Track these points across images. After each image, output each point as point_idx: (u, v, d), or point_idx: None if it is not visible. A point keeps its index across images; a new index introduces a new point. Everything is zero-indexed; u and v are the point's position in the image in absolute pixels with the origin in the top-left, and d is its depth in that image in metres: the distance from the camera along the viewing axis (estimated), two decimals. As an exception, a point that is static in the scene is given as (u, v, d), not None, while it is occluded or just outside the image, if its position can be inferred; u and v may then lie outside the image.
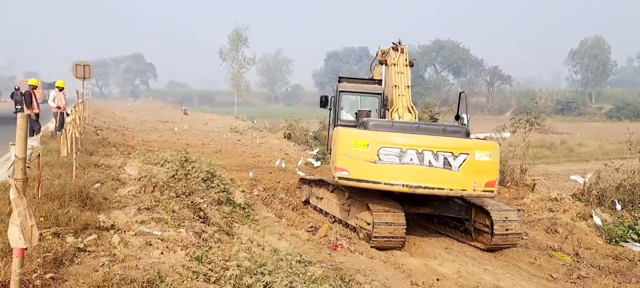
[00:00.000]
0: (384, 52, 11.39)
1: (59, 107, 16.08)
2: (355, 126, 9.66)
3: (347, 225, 9.91)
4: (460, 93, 10.98)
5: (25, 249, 2.73)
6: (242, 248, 6.08)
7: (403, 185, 8.23)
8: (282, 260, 6.04)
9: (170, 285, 4.31)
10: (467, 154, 8.27)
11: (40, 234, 4.54)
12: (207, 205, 8.34)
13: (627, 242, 10.16)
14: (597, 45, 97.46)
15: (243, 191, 11.15)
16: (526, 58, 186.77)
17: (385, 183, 8.25)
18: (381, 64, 11.40)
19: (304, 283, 5.28)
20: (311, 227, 10.06)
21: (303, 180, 12.70)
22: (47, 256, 4.42)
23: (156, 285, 4.28)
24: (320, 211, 11.35)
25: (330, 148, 10.42)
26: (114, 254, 5.00)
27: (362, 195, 9.14)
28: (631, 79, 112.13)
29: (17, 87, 20.23)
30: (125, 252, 5.09)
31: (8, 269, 3.85)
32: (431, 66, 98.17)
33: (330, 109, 11.40)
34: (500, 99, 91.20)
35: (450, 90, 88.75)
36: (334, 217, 10.53)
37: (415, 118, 10.21)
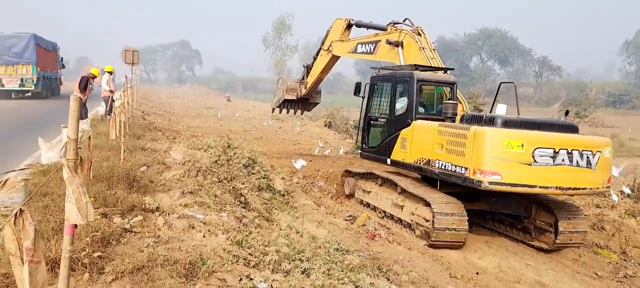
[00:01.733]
0: (399, 33, 10.88)
1: (111, 91, 16.66)
2: (443, 120, 9.00)
3: (400, 221, 9.47)
4: (500, 83, 10.60)
5: (76, 227, 2.86)
6: (281, 234, 6.17)
7: (557, 188, 7.81)
8: (320, 247, 6.09)
9: (211, 267, 4.43)
10: (600, 152, 8.02)
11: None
12: (248, 191, 8.48)
13: None
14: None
15: (283, 178, 11.26)
16: (578, 48, 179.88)
17: (540, 187, 7.73)
18: (393, 45, 10.84)
19: (342, 271, 5.32)
20: (349, 215, 10.09)
21: (348, 172, 11.97)
22: (95, 235, 4.61)
23: (198, 267, 4.40)
24: (368, 205, 10.76)
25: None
26: (159, 236, 5.16)
27: (417, 189, 8.86)
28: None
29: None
30: (169, 234, 5.26)
31: (59, 247, 4.05)
32: (477, 55, 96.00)
33: (363, 97, 10.99)
34: (548, 91, 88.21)
35: (495, 80, 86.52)
36: (384, 212, 10.04)
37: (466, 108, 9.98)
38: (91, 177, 6.28)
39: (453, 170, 8.15)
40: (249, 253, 5.19)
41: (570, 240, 8.57)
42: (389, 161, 10.01)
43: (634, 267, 8.41)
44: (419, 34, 10.70)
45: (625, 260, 8.73)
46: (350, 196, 11.59)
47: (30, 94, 28.48)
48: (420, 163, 9.01)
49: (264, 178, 9.87)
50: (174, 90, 73.83)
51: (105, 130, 10.91)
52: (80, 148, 2.89)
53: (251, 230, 6.23)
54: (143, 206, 5.97)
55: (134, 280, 4.04)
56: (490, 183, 7.62)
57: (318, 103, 16.47)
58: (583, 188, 8.05)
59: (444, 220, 8.12)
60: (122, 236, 4.97)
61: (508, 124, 7.93)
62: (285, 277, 4.65)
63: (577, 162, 7.81)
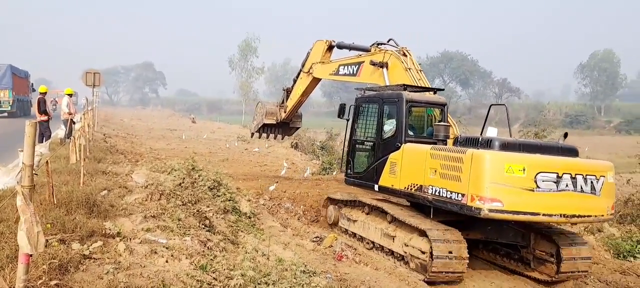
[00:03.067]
0: (383, 53, 10.60)
1: (71, 113, 16.25)
2: (434, 143, 8.40)
3: (391, 254, 8.81)
4: (490, 105, 10.42)
5: (31, 256, 2.75)
6: (246, 258, 6.09)
7: (561, 216, 7.31)
8: (286, 270, 6.04)
9: (174, 293, 4.32)
10: (604, 176, 7.60)
11: (46, 241, 4.57)
12: (213, 214, 8.36)
13: (635, 257, 10.04)
14: (607, 59, 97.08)
15: (249, 200, 11.16)
16: (535, 71, 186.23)
17: (544, 215, 7.22)
18: (378, 66, 10.48)
19: (308, 293, 5.28)
20: (316, 237, 10.05)
21: (331, 200, 11.14)
22: (52, 263, 4.44)
23: (160, 293, 4.29)
24: (353, 236, 10.03)
25: (401, 169, 8.74)
26: (119, 262, 5.02)
27: (410, 218, 8.29)
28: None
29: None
30: (130, 260, 5.12)
31: (13, 275, 3.88)
32: (439, 77, 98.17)
33: (347, 120, 10.42)
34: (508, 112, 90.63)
35: (457, 102, 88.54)
36: (373, 243, 9.36)
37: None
38: (55, 201, 6.11)
39: (448, 196, 7.58)
40: (214, 278, 5.10)
41: (576, 268, 8.10)
42: (376, 187, 9.41)
43: (593, 283, 8.54)
44: (405, 55, 10.43)
45: (585, 276, 8.74)
46: (334, 225, 10.89)
47: (6, 113, 34.81)
48: (411, 189, 8.43)
49: (229, 200, 9.75)
50: (137, 112, 72.60)
51: (65, 153, 10.60)
52: (36, 174, 2.80)
53: (216, 254, 6.13)
54: (103, 231, 5.80)
55: (93, 308, 3.90)
56: (491, 211, 7.03)
57: (299, 127, 15.98)
58: (588, 216, 7.59)
59: (443, 252, 7.47)
60: (81, 263, 4.81)
61: (506, 146, 7.47)
62: (250, 301, 4.57)
63: (581, 188, 7.35)
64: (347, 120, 10.49)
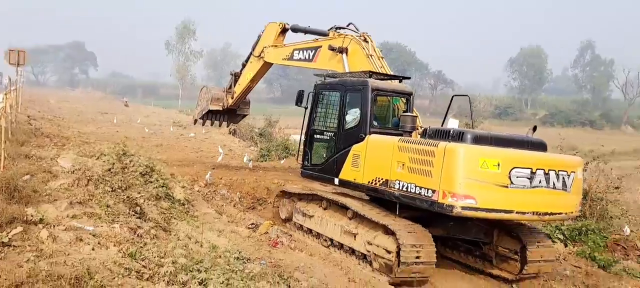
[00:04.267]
0: (342, 38, 10.05)
1: (-12, 94, 15.23)
2: (400, 134, 7.94)
3: (352, 252, 8.24)
4: (453, 96, 9.97)
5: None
6: (178, 245, 5.98)
7: (533, 213, 7.03)
8: (220, 257, 5.99)
9: (100, 282, 4.19)
10: (574, 172, 7.33)
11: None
12: (144, 201, 8.12)
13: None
14: (535, 54, 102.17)
15: (183, 187, 10.91)
16: (468, 64, 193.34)
17: (517, 213, 6.90)
18: (337, 51, 9.91)
19: (242, 280, 5.26)
20: (252, 224, 10.00)
21: (284, 193, 10.40)
22: (-34, 251, 4.18)
23: (85, 282, 4.14)
24: (310, 232, 9.33)
25: (362, 161, 8.21)
26: (41, 249, 4.80)
27: (375, 214, 7.77)
28: (565, 87, 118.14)
29: None
30: (54, 248, 4.90)
31: None
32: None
33: (305, 108, 9.69)
34: (443, 102, 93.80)
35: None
36: (331, 240, 8.74)
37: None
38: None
39: (417, 192, 7.11)
40: (143, 266, 4.98)
41: (539, 270, 7.91)
42: (336, 181, 8.79)
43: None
44: (366, 41, 9.91)
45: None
46: (287, 221, 10.21)
47: None
48: (375, 183, 7.89)
49: (162, 187, 9.48)
50: (65, 94, 69.19)
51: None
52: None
53: (146, 242, 5.97)
54: (25, 218, 5.53)
55: (11, 298, 3.71)
56: (464, 208, 6.63)
57: (246, 115, 15.21)
58: (559, 213, 7.40)
59: (411, 251, 7.00)
60: (-2, 251, 4.55)
61: (479, 140, 7.02)
62: (181, 288, 4.50)
63: (554, 184, 7.07)
64: (305, 108, 9.77)
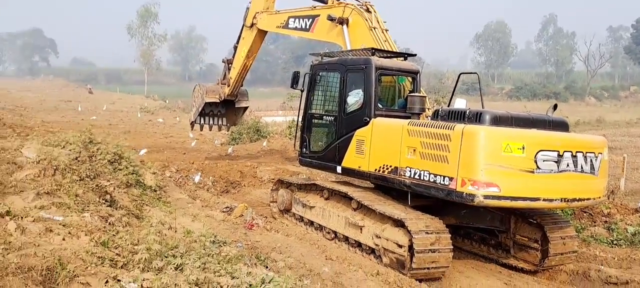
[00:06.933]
0: (343, 7, 9.25)
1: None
2: (408, 117, 7.36)
3: (358, 246, 7.58)
4: (460, 74, 9.25)
5: None
6: (151, 232, 5.86)
7: (562, 200, 6.40)
8: (195, 241, 5.91)
9: (73, 271, 4.09)
10: (601, 153, 6.76)
11: None
12: (114, 188, 7.96)
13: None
14: (500, 29, 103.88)
15: (154, 173, 10.75)
16: (436, 40, 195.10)
17: (544, 200, 6.26)
18: (336, 22, 9.16)
19: (218, 263, 5.20)
20: (227, 207, 9.93)
21: (282, 182, 9.71)
22: None
23: (57, 272, 4.04)
24: (311, 224, 8.68)
25: (368, 148, 7.50)
26: (10, 242, 4.64)
27: (382, 205, 7.10)
28: (529, 60, 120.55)
29: None
30: (23, 240, 4.75)
31: None
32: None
33: (301, 90, 9.02)
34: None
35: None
36: (335, 232, 8.06)
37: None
38: None
39: (431, 180, 6.47)
40: (116, 254, 4.88)
41: (563, 260, 7.27)
42: (339, 169, 8.14)
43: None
44: (368, 11, 9.04)
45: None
46: (285, 212, 9.50)
47: None
48: (383, 171, 7.24)
49: (132, 174, 9.31)
50: (26, 83, 67.06)
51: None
52: None
53: (119, 230, 5.85)
54: (-10, 211, 5.32)
55: (-20, 293, 3.59)
56: (486, 197, 6.02)
57: (247, 107, 14.04)
58: (587, 199, 6.78)
59: (425, 245, 6.37)
60: (-37, 246, 4.39)
61: (499, 120, 6.39)
62: (156, 274, 4.43)
63: (582, 167, 6.48)
64: (301, 91, 9.06)
